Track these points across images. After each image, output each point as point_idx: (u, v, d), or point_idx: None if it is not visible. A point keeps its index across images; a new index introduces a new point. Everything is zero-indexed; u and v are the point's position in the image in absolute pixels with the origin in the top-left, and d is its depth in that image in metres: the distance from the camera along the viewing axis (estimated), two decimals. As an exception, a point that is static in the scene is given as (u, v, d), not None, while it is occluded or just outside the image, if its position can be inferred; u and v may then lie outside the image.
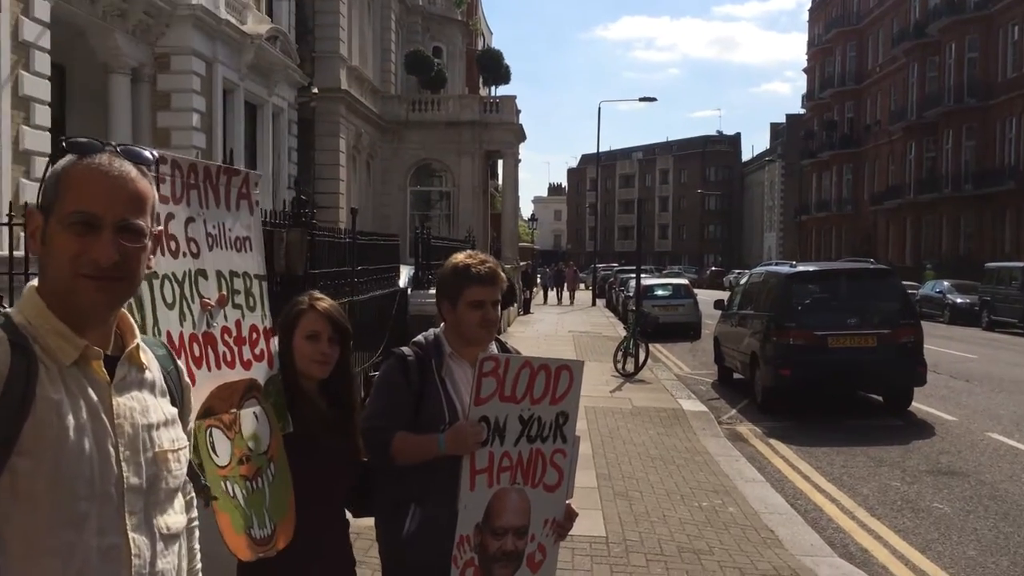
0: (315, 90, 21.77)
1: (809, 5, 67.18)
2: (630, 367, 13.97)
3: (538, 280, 37.44)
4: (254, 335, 2.44)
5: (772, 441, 9.63)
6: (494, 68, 31.70)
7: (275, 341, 2.55)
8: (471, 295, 2.79)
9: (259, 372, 2.44)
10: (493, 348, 2.95)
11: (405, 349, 2.88)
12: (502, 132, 29.40)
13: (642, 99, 42.53)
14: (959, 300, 29.06)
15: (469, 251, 2.97)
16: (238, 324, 2.37)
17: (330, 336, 2.56)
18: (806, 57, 66.77)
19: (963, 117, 40.43)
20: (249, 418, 2.31)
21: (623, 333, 16.91)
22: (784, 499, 7.11)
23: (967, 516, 6.79)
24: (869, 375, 10.94)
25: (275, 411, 2.45)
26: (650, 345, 14.97)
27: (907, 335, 10.85)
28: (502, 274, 2.88)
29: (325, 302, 2.60)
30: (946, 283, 30.92)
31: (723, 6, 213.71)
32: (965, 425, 10.38)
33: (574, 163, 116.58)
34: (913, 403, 11.35)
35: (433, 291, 10.55)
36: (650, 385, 12.97)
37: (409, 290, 10.72)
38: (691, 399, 11.76)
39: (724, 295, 21.74)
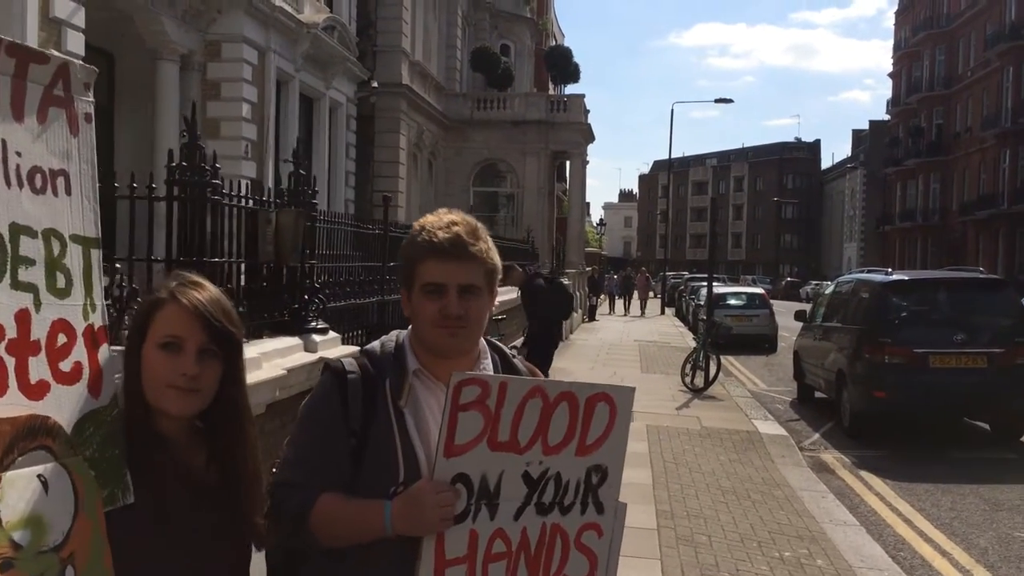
0: (375, 84, 21.03)
1: (895, 8, 64.48)
2: (699, 381, 12.76)
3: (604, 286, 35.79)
4: (62, 339, 1.44)
5: (863, 473, 8.36)
6: (563, 65, 30.64)
7: (105, 349, 1.55)
8: (425, 273, 1.79)
9: (63, 403, 1.43)
10: (487, 364, 1.93)
11: (347, 361, 1.87)
12: (569, 132, 28.32)
13: (718, 100, 40.98)
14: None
15: (443, 209, 1.93)
16: (25, 318, 1.37)
17: (202, 347, 1.57)
18: (891, 61, 64.03)
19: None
20: (21, 486, 1.32)
21: (692, 344, 15.69)
22: (883, 549, 5.91)
23: (1119, 583, 5.47)
24: (978, 400, 9.55)
25: (99, 471, 1.46)
26: (722, 358, 13.77)
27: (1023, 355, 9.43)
28: (484, 245, 1.85)
29: (200, 292, 1.61)
30: (1045, 299, 28.66)
31: (800, 12, 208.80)
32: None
33: (646, 169, 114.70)
34: (1026, 433, 9.92)
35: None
36: (721, 402, 11.74)
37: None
38: (768, 420, 10.52)
39: (800, 307, 20.29)
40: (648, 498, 6.53)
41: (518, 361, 2.04)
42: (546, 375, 9.46)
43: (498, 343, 2.06)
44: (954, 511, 7.10)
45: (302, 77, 17.54)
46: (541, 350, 10.27)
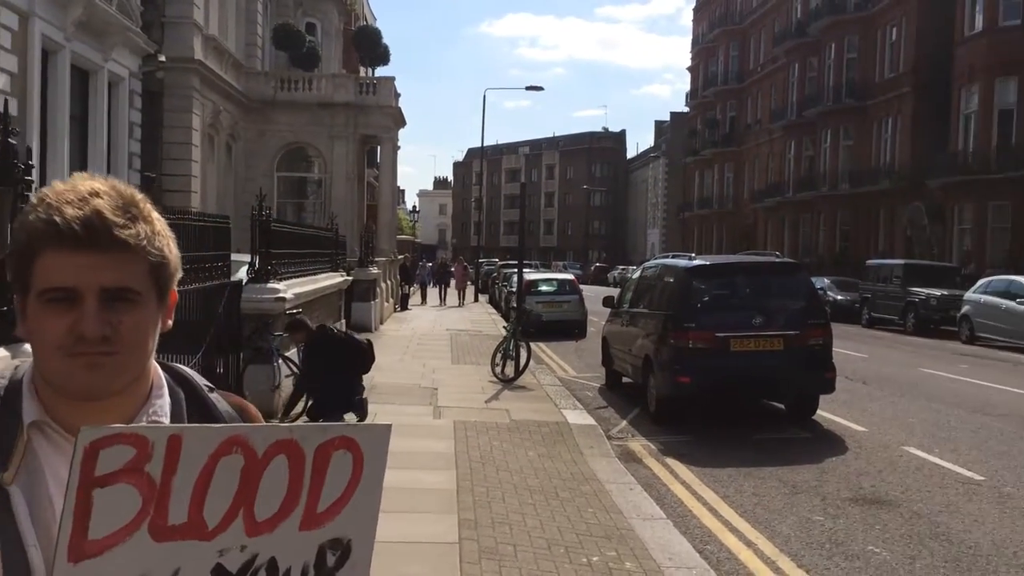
0: (163, 59, 19.33)
1: (693, 5, 67.66)
2: (510, 371, 12.49)
3: (417, 275, 34.89)
4: None
5: (670, 461, 8.29)
6: (372, 47, 29.65)
7: None
8: (46, 272, 1.16)
9: None
10: (160, 407, 1.30)
11: None
12: (379, 116, 27.44)
13: (528, 87, 41.24)
14: (840, 297, 29.01)
15: (82, 174, 1.26)
16: None
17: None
18: (690, 56, 67.23)
19: (841, 117, 40.91)
20: None
21: (504, 332, 15.44)
22: (691, 544, 5.72)
23: (912, 564, 5.54)
24: (775, 382, 9.78)
25: None
26: (534, 345, 13.59)
27: (816, 337, 9.74)
28: (146, 227, 1.22)
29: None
30: (827, 280, 30.87)
31: (605, 7, 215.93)
32: (877, 438, 9.32)
33: (460, 157, 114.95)
34: (818, 411, 10.29)
35: (275, 284, 8.54)
36: (532, 392, 11.49)
37: (244, 283, 8.88)
38: (577, 409, 10.34)
39: (608, 291, 20.61)
40: (451, 506, 6.04)
41: (217, 397, 1.41)
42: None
43: (187, 371, 1.43)
44: (756, 496, 7.09)
45: (74, 47, 15.75)
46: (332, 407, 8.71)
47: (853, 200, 40.11)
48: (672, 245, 63.78)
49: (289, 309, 9.04)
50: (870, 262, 29.46)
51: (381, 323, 21.22)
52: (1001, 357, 18.61)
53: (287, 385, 8.99)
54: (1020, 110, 29.98)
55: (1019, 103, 30.01)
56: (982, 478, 7.61)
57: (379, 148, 29.76)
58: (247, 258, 9.36)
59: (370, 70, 32.81)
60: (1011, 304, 20.34)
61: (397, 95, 28.92)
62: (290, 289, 9.42)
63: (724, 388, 9.81)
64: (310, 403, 8.72)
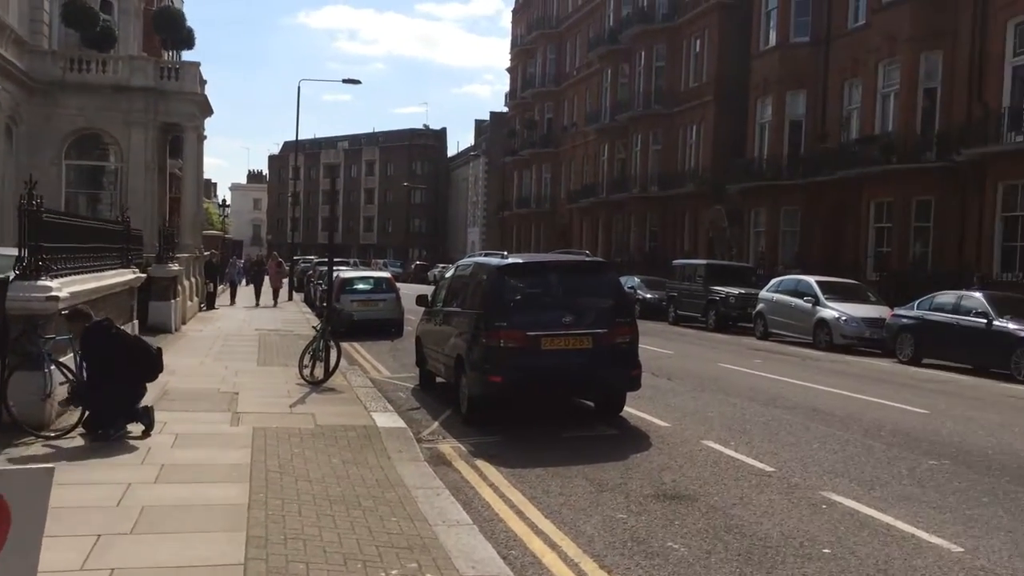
0: (-74, 29, 17.27)
1: (512, 8, 68.67)
2: (319, 373, 11.98)
3: (227, 272, 33.09)
4: None
5: (479, 463, 8.14)
6: (174, 29, 27.83)
7: None
8: None
9: None
10: None
11: None
12: (183, 103, 25.80)
13: (346, 81, 40.28)
14: (649, 295, 30.21)
15: None
16: None
17: None
18: (509, 57, 68.16)
19: (650, 122, 42.71)
20: None
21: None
22: (495, 550, 5.57)
23: (708, 558, 5.64)
24: (584, 380, 9.87)
25: None
26: (348, 345, 13.17)
27: (623, 335, 9.91)
28: None
29: None
30: (637, 279, 32.10)
31: (426, 4, 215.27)
32: (679, 433, 9.60)
33: (276, 150, 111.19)
34: (625, 407, 10.50)
35: (47, 282, 7.67)
36: (341, 395, 11.06)
37: (9, 280, 7.94)
38: (387, 412, 10.02)
39: (428, 289, 20.40)
40: (239, 523, 5.58)
41: None
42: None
43: None
44: (563, 496, 7.06)
45: None
46: (112, 418, 7.93)
47: (662, 202, 41.97)
48: (492, 243, 64.51)
49: (64, 309, 8.17)
50: (676, 262, 30.86)
51: (183, 323, 19.96)
52: (791, 352, 19.92)
53: (62, 393, 8.13)
54: (808, 121, 32.34)
55: (807, 114, 32.36)
56: (773, 469, 7.96)
57: (183, 137, 28.05)
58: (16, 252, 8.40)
59: (175, 54, 30.90)
60: (799, 302, 21.83)
61: (203, 82, 27.37)
62: (67, 287, 8.52)
63: (535, 387, 9.80)
64: (86, 414, 7.94)
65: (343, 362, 13.24)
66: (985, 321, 16.39)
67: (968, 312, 17.01)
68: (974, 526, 6.37)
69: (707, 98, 38.27)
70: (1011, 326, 15.94)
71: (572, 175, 54.78)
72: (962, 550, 5.83)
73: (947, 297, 18.22)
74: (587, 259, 11.58)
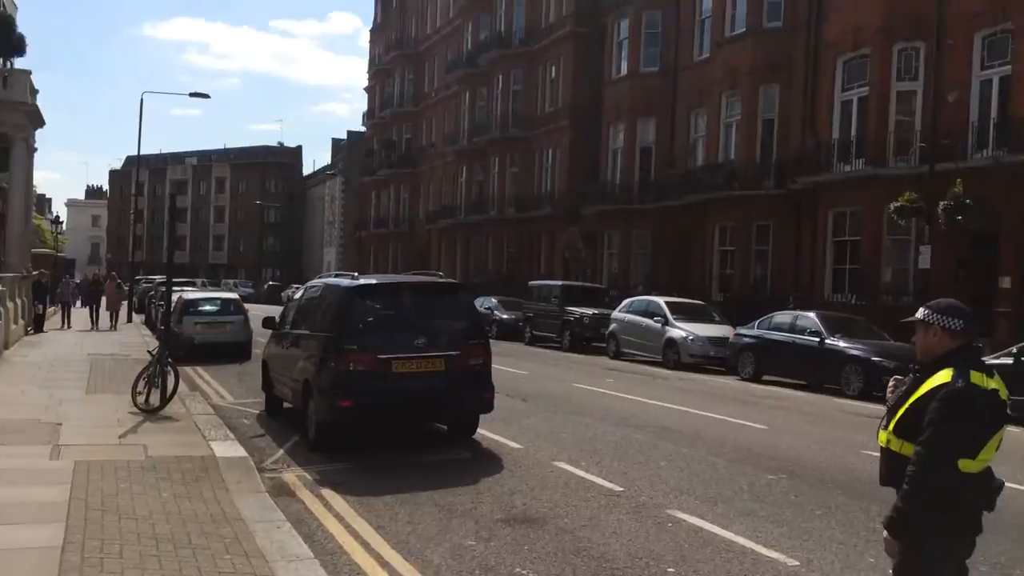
0: None
1: (370, 27, 68.17)
2: (155, 400, 11.26)
3: (59, 293, 30.88)
4: None
5: (325, 492, 7.81)
6: (3, 34, 26.02)
7: None
8: None
9: None
10: None
11: None
12: (11, 113, 24.13)
13: (193, 94, 38.56)
14: (505, 316, 30.41)
15: None
16: None
17: None
18: (367, 76, 67.53)
19: (508, 146, 43.23)
20: None
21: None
22: (338, 585, 5.30)
23: (556, 583, 5.56)
24: (437, 403, 9.69)
25: None
26: (190, 370, 12.46)
27: (477, 356, 9.80)
28: None
29: None
30: (494, 300, 32.26)
31: (281, 20, 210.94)
32: (532, 455, 9.57)
33: (118, 165, 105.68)
34: (479, 430, 10.39)
35: None
36: (177, 423, 10.43)
37: None
38: (228, 440, 9.50)
39: (280, 311, 19.72)
40: (49, 570, 5.07)
41: None
42: None
43: None
44: (411, 524, 6.85)
45: None
46: None
47: (519, 224, 42.47)
48: (349, 264, 63.41)
49: None
50: (532, 283, 31.21)
51: (6, 348, 18.46)
52: (641, 371, 20.43)
53: None
54: (658, 148, 33.54)
55: (657, 141, 33.56)
56: (622, 489, 8.02)
57: (11, 149, 26.12)
58: None
59: (5, 63, 28.82)
60: (649, 322, 22.46)
61: (35, 91, 25.67)
62: None
63: (386, 412, 9.54)
64: None
65: (183, 388, 12.54)
66: (818, 339, 17.33)
67: (803, 331, 17.95)
68: (809, 539, 6.59)
69: (563, 123, 39.09)
70: (841, 344, 16.91)
71: (431, 196, 54.70)
72: (797, 563, 6.00)
73: (784, 317, 19.18)
74: (440, 280, 11.45)
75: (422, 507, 7.34)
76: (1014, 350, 13.94)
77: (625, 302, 24.96)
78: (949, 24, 21.03)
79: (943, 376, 3.44)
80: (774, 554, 6.18)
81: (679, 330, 21.37)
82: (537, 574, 5.72)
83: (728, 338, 20.30)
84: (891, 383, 3.82)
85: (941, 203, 19.16)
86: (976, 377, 3.42)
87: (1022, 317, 19.32)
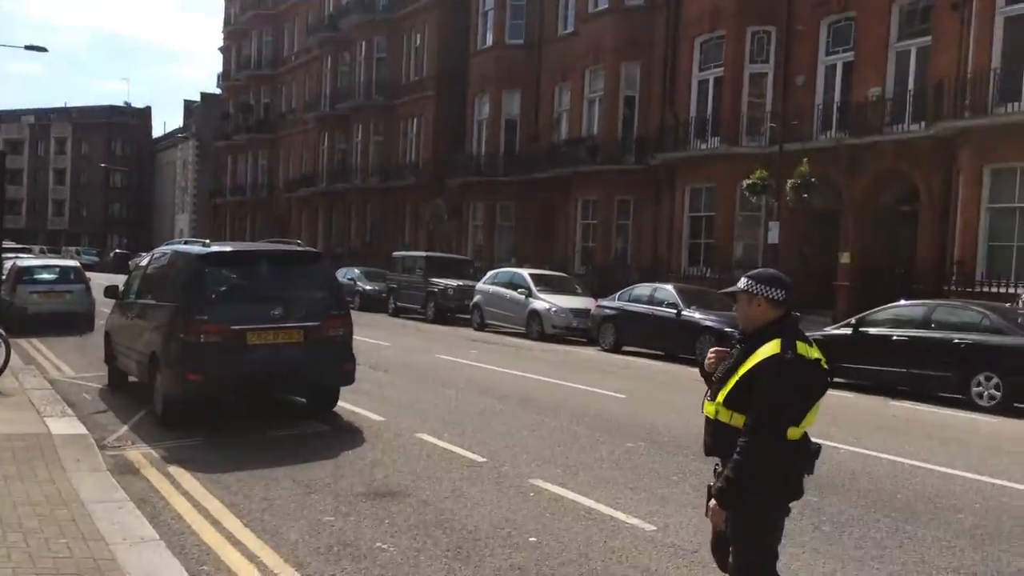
0: None
1: (226, -18, 65.04)
2: (-16, 375, 10.38)
3: None
4: None
5: (173, 469, 7.41)
6: None
7: None
8: None
9: None
10: None
11: None
12: None
13: (29, 47, 35.83)
14: (368, 287, 29.95)
15: None
16: None
17: None
18: (222, 35, 64.55)
19: (372, 113, 42.36)
20: None
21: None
22: (184, 567, 5.01)
23: (417, 556, 5.46)
24: (295, 375, 9.35)
25: None
26: (25, 342, 11.56)
27: (337, 327, 9.52)
28: None
29: None
30: (357, 270, 31.71)
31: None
32: (394, 427, 9.41)
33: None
34: (339, 402, 10.13)
35: None
36: (10, 399, 9.66)
37: None
38: (66, 417, 8.87)
39: (115, 280, 18.66)
40: None
41: None
42: None
43: None
44: (267, 501, 6.57)
45: None
46: None
47: (383, 194, 41.81)
48: (203, 231, 60.84)
49: None
50: (396, 254, 30.84)
51: None
52: (506, 342, 20.56)
53: None
54: (523, 120, 33.66)
55: (522, 114, 33.67)
56: (484, 459, 7.99)
57: None
58: None
59: None
60: (513, 294, 22.60)
61: None
62: None
63: (240, 385, 9.13)
64: None
65: (16, 361, 11.65)
66: (675, 311, 17.89)
67: (661, 303, 18.49)
68: (665, 505, 6.75)
69: (428, 92, 38.62)
70: (696, 315, 17.52)
71: (291, 163, 53.06)
72: (655, 528, 6.13)
73: (643, 289, 19.70)
74: (298, 249, 11.06)
75: (278, 483, 7.06)
76: (853, 321, 14.82)
77: (490, 274, 25.01)
78: (798, 11, 21.99)
79: (772, 347, 3.50)
80: (633, 520, 6.29)
81: (543, 302, 21.60)
82: (398, 548, 5.59)
83: (590, 310, 20.68)
84: (711, 354, 3.81)
85: (789, 181, 20.10)
86: (801, 348, 3.50)
87: (860, 290, 20.59)
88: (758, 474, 3.44)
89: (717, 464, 3.69)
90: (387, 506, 6.50)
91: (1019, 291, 15.77)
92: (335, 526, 6.02)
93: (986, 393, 12.67)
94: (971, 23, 19.06)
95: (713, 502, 3.59)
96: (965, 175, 18.92)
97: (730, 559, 3.68)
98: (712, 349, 3.84)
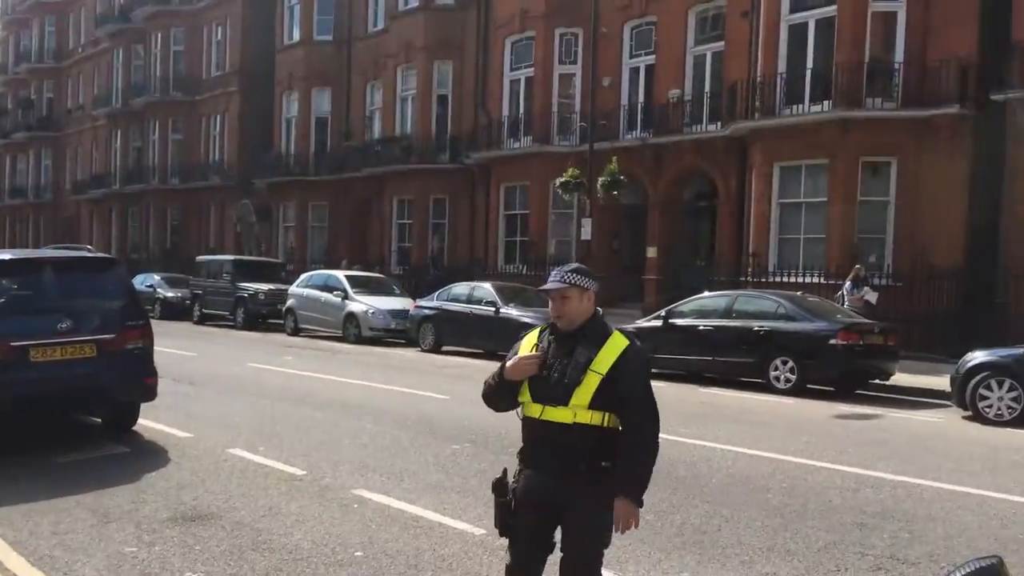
0: None
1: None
2: None
3: None
4: None
5: (-57, 508, 6.52)
6: None
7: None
8: None
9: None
10: None
11: None
12: None
13: None
14: (170, 294, 28.29)
15: None
16: None
17: None
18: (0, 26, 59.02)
19: (170, 110, 40.06)
20: None
21: None
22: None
23: (232, 585, 5.04)
24: (87, 394, 8.52)
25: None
26: None
27: (135, 339, 8.74)
28: None
29: None
30: (157, 277, 29.88)
31: None
32: (203, 443, 8.78)
33: None
34: (140, 420, 9.35)
35: None
36: None
37: None
38: None
39: None
40: None
41: None
42: None
43: None
44: (57, 535, 5.89)
45: None
46: None
47: (184, 195, 39.66)
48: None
49: None
50: (200, 258, 29.32)
51: None
52: (322, 347, 19.95)
53: None
54: (334, 119, 32.88)
55: (333, 112, 32.88)
56: (304, 472, 7.59)
57: None
58: None
59: None
60: (329, 297, 21.97)
61: None
62: None
63: (22, 406, 8.20)
64: None
65: None
66: (494, 309, 17.97)
67: (480, 301, 18.53)
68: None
69: (231, 88, 36.96)
70: (514, 313, 17.68)
71: (79, 163, 49.22)
72: (484, 532, 6.00)
73: (462, 288, 19.68)
74: (89, 255, 10.12)
75: (71, 513, 6.37)
76: (663, 313, 15.42)
77: (303, 276, 24.22)
78: (603, 14, 22.66)
79: (620, 339, 3.47)
80: (462, 525, 6.14)
81: (360, 304, 21.12)
82: (210, 573, 5.15)
83: (408, 310, 20.43)
84: (530, 358, 3.51)
85: (599, 179, 20.71)
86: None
87: (667, 283, 21.55)
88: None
89: (582, 464, 3.46)
90: (197, 531, 6.00)
91: (864, 292, 16.78)
92: (137, 557, 5.47)
93: (783, 376, 13.53)
94: (759, 30, 20.39)
95: (626, 502, 3.41)
96: (757, 172, 20.21)
97: (572, 559, 3.54)
98: (525, 355, 3.54)
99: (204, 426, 9.63)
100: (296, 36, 33.39)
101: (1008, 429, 10.79)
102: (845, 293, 16.89)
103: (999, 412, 11.12)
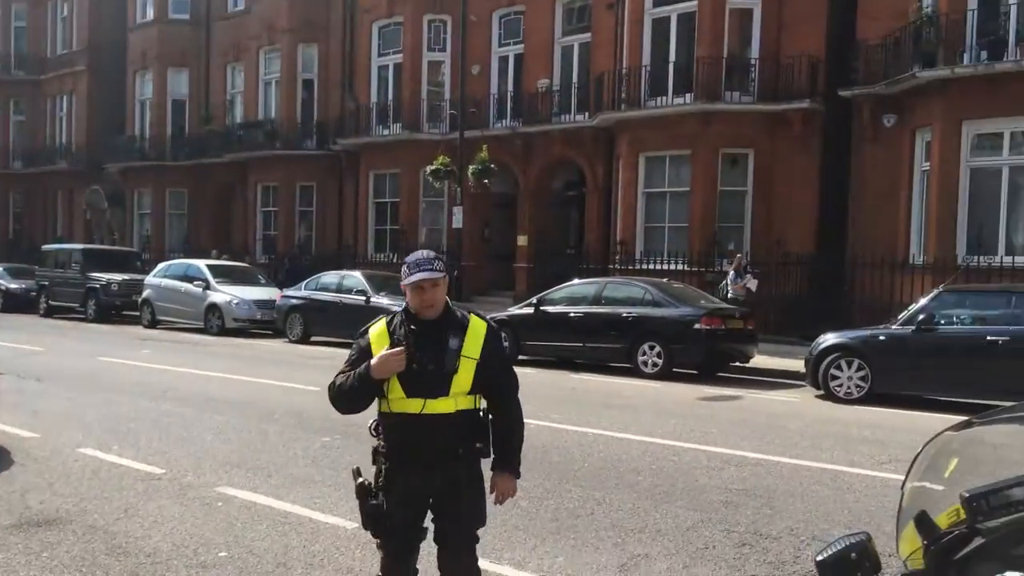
0: None
1: None
2: None
3: None
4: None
5: None
6: None
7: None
8: None
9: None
10: None
11: None
12: None
13: None
14: (14, 286, 26.53)
15: None
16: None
17: None
18: None
19: (11, 89, 37.45)
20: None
21: None
22: None
23: (84, 594, 4.71)
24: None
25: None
26: None
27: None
28: None
29: None
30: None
31: None
32: (50, 443, 8.20)
33: None
34: (-22, 421, 8.67)
35: None
36: None
37: None
38: None
39: None
40: None
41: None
42: None
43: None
44: None
45: None
46: None
47: (28, 180, 37.22)
48: None
49: None
50: (46, 247, 27.63)
51: None
52: (182, 339, 19.10)
53: None
54: (193, 102, 31.48)
55: (191, 94, 31.48)
56: (163, 471, 7.20)
57: None
58: None
59: None
60: (189, 287, 21.06)
61: None
62: None
63: None
64: None
65: None
66: (364, 298, 17.66)
67: (350, 290, 18.18)
68: (367, 498, 6.48)
69: (79, 67, 34.82)
70: (385, 301, 17.41)
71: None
72: (356, 526, 5.81)
73: (331, 277, 19.25)
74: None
75: None
76: (534, 301, 15.54)
77: (161, 266, 23.14)
78: (471, 2, 22.60)
79: (479, 321, 3.48)
80: (333, 519, 5.96)
81: (222, 294, 20.33)
82: (58, 586, 4.79)
83: (275, 300, 19.82)
84: (396, 352, 3.34)
85: (470, 167, 20.66)
86: None
87: (537, 271, 21.75)
88: None
89: (461, 448, 3.45)
90: (45, 537, 5.57)
91: (747, 280, 17.31)
92: (-26, 570, 5.03)
93: (650, 361, 13.89)
94: (624, 22, 20.80)
95: (507, 476, 3.54)
96: (624, 162, 20.65)
97: (456, 543, 3.49)
98: (392, 351, 3.36)
99: (52, 425, 9.01)
100: (150, 14, 31.74)
101: (857, 406, 11.45)
102: (729, 282, 17.50)
103: (848, 391, 11.78)
